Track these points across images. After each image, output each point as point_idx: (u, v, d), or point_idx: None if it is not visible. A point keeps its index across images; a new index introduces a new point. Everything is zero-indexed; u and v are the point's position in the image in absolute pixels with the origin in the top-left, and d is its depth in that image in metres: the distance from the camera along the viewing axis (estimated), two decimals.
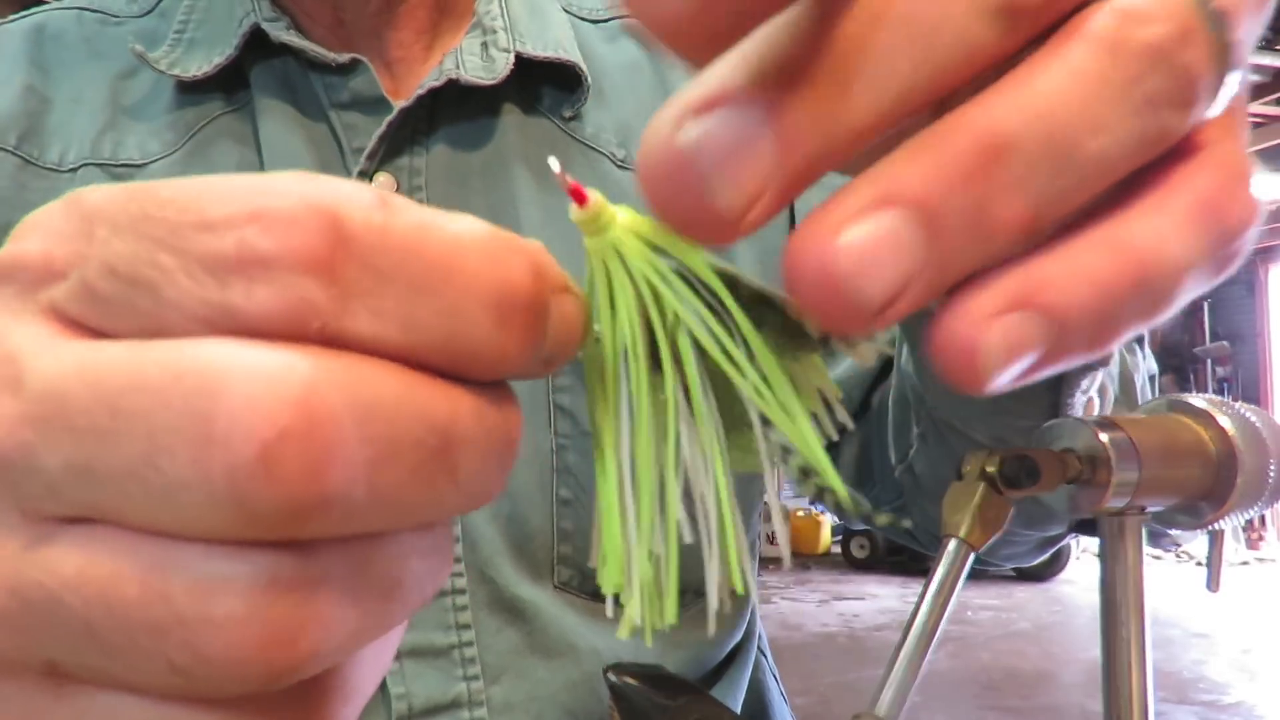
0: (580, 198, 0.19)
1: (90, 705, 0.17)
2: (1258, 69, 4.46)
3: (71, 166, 0.53)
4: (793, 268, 0.15)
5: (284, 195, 0.15)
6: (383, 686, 0.52)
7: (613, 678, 0.31)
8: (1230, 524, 0.31)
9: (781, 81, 0.15)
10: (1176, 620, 4.97)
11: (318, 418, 0.15)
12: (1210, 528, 0.32)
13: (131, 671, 0.16)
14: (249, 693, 0.16)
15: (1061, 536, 0.54)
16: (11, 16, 0.58)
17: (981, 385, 0.16)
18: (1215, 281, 0.18)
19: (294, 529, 0.15)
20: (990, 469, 0.32)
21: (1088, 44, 0.16)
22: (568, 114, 0.57)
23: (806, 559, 7.39)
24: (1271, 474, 0.30)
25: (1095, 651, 0.34)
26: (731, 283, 0.19)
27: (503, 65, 0.54)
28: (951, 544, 0.33)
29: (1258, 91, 4.75)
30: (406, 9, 0.55)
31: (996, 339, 0.16)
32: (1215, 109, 0.17)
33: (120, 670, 0.16)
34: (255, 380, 0.14)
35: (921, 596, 0.33)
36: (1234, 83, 0.17)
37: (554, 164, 0.19)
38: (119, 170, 0.53)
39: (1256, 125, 5.54)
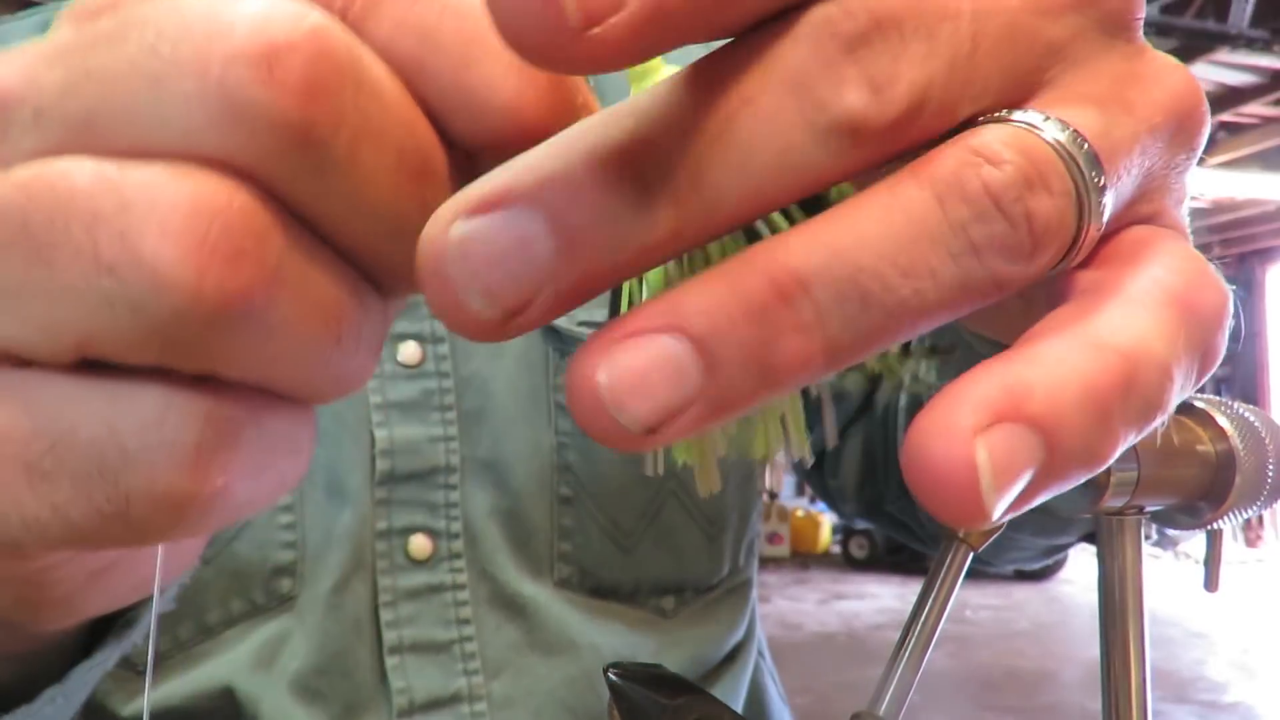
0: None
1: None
2: (1257, 70, 4.46)
3: None
4: (569, 378, 0.15)
5: None
6: (384, 681, 0.52)
7: (612, 676, 0.31)
8: (1229, 524, 0.31)
9: (570, 185, 0.14)
10: (1175, 620, 4.96)
11: (325, 50, 0.15)
12: (1209, 527, 0.32)
13: (49, 300, 0.15)
14: (173, 335, 0.15)
15: (1069, 545, 0.54)
16: (18, 14, 0.59)
17: (976, 515, 0.14)
18: (1199, 383, 0.17)
19: (273, 151, 0.15)
20: None
21: (917, 182, 0.15)
22: None
23: (806, 558, 7.40)
24: (1270, 474, 0.30)
25: (1094, 651, 0.34)
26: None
27: None
28: (951, 544, 0.33)
29: (1258, 91, 4.75)
30: None
31: (993, 453, 0.14)
32: (1080, 252, 0.16)
33: (33, 304, 0.15)
34: (271, 2, 0.15)
35: (921, 596, 0.33)
36: (1106, 217, 0.16)
37: None
38: None
39: (1256, 126, 5.54)
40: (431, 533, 0.54)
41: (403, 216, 0.16)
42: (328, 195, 0.16)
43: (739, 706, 0.63)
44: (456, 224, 0.14)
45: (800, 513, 7.78)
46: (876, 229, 0.15)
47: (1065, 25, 0.16)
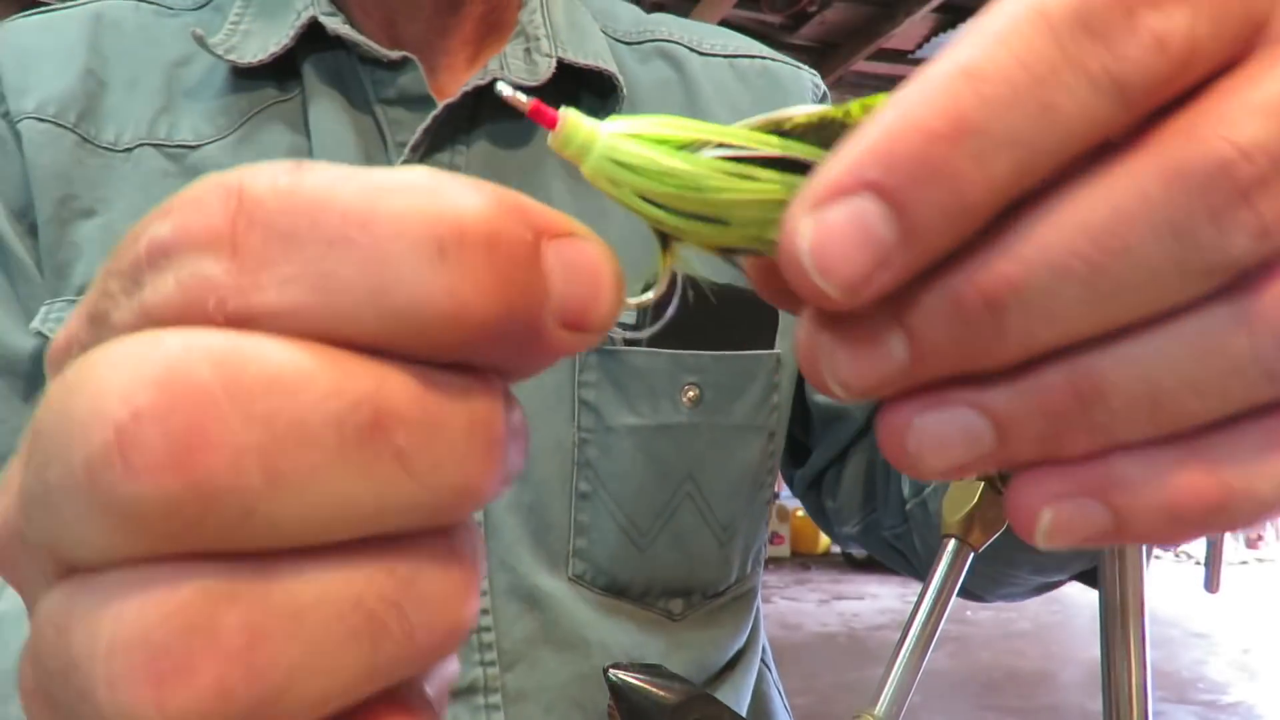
0: (546, 120, 0.17)
1: None
2: None
3: (127, 146, 0.55)
4: (880, 428, 0.17)
5: (195, 186, 0.14)
6: None
7: (613, 676, 0.31)
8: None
9: (904, 159, 0.15)
10: (1176, 620, 4.96)
11: (182, 396, 0.13)
12: None
13: None
14: None
15: (1062, 583, 0.55)
16: (66, 5, 0.61)
17: (1043, 548, 0.18)
18: None
19: (181, 531, 0.13)
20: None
21: (1235, 317, 0.16)
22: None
23: (806, 558, 7.40)
24: None
25: (1095, 651, 0.34)
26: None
27: (545, 69, 0.56)
28: (951, 544, 0.33)
29: None
30: (456, 21, 0.58)
31: (1060, 517, 0.17)
32: None
33: None
34: (117, 364, 0.13)
35: (921, 597, 0.33)
36: None
37: (504, 88, 0.18)
38: (174, 151, 0.56)
39: None
40: None
41: (379, 481, 0.14)
42: (280, 520, 0.14)
43: (742, 712, 0.63)
44: (803, 220, 0.15)
45: (800, 513, 7.77)
46: (1187, 351, 0.16)
47: None
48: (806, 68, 0.69)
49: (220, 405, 0.13)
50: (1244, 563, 6.97)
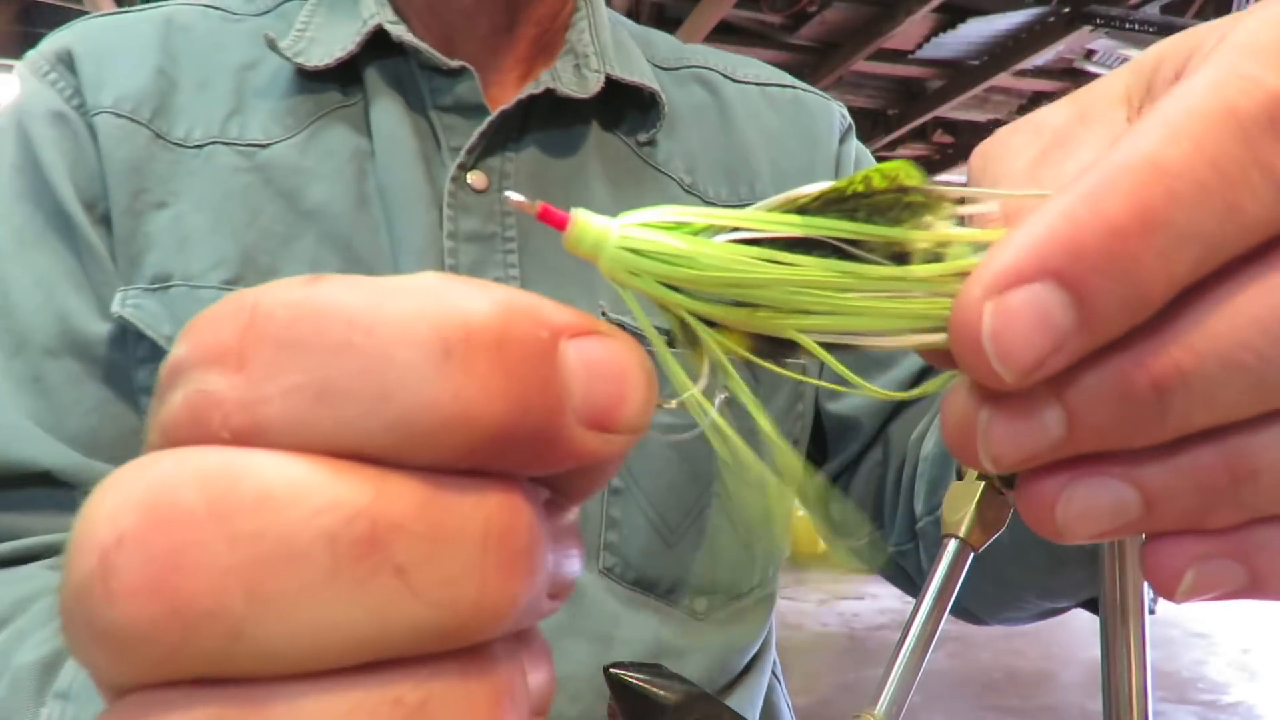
0: (555, 221, 0.16)
1: None
2: None
3: (198, 143, 0.58)
4: (1026, 497, 0.18)
5: (217, 304, 0.14)
6: None
7: (613, 675, 0.31)
8: None
9: (1087, 248, 0.15)
10: (1176, 620, 4.96)
11: (163, 519, 0.13)
12: None
13: None
14: None
15: (1068, 608, 0.56)
16: (140, 7, 0.63)
17: (1178, 602, 0.18)
18: None
19: (167, 657, 0.13)
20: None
21: None
22: (643, 138, 0.63)
23: (806, 558, 7.40)
24: None
25: (1095, 651, 0.34)
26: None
27: (594, 83, 0.59)
28: (951, 544, 0.33)
29: None
30: (510, 40, 0.61)
31: (1199, 577, 0.18)
32: None
33: None
34: (109, 488, 0.13)
35: (921, 596, 0.33)
36: None
37: (513, 195, 0.17)
38: (245, 149, 0.58)
39: None
40: None
41: (378, 599, 0.13)
42: (271, 644, 0.13)
43: (755, 717, 0.64)
44: (987, 306, 0.16)
45: (801, 513, 7.75)
46: None
47: None
48: (835, 100, 0.72)
49: (202, 526, 0.13)
50: None
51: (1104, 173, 0.15)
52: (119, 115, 0.57)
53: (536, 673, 0.17)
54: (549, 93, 0.58)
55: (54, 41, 0.60)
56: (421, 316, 0.14)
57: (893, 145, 4.88)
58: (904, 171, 0.17)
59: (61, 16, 4.06)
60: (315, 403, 0.13)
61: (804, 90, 0.71)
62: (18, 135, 0.57)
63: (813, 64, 4.10)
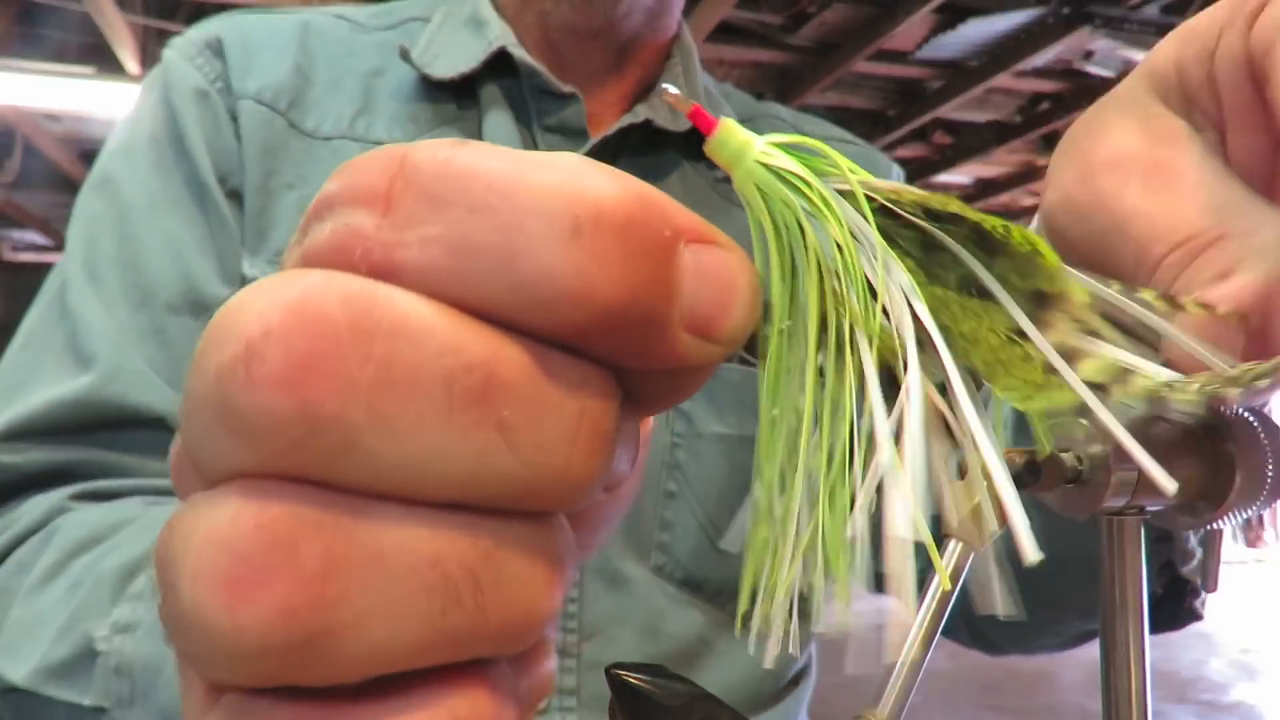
0: (704, 124, 0.17)
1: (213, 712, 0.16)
2: None
3: (327, 136, 0.63)
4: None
5: (370, 152, 0.16)
6: None
7: (614, 675, 0.31)
8: (1228, 524, 0.31)
9: None
10: None
11: (309, 322, 0.14)
12: (1209, 527, 0.32)
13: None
14: (252, 673, 0.14)
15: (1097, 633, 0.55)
16: (280, 10, 0.69)
17: None
18: None
19: (286, 449, 0.14)
20: None
21: None
22: (720, 175, 0.67)
23: None
24: (1270, 473, 0.30)
25: (1094, 651, 0.34)
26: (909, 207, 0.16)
27: (686, 120, 0.64)
28: (951, 544, 0.33)
29: None
30: (617, 77, 0.66)
31: None
32: None
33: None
34: (261, 291, 0.14)
35: (921, 597, 0.33)
36: None
37: (670, 89, 0.18)
38: (369, 145, 0.63)
39: None
40: None
41: (478, 448, 0.14)
42: (374, 461, 0.14)
43: None
44: None
45: None
46: None
47: None
48: (894, 162, 0.78)
49: (342, 338, 0.14)
50: (1243, 562, 6.97)
51: None
52: (260, 103, 0.63)
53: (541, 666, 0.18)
54: (646, 123, 0.63)
55: (204, 30, 0.66)
56: (557, 192, 0.15)
57: (892, 146, 4.88)
58: (1047, 252, 0.17)
59: (61, 16, 4.05)
60: (448, 254, 0.15)
61: (864, 146, 0.76)
62: (160, 108, 0.62)
63: (812, 64, 4.10)
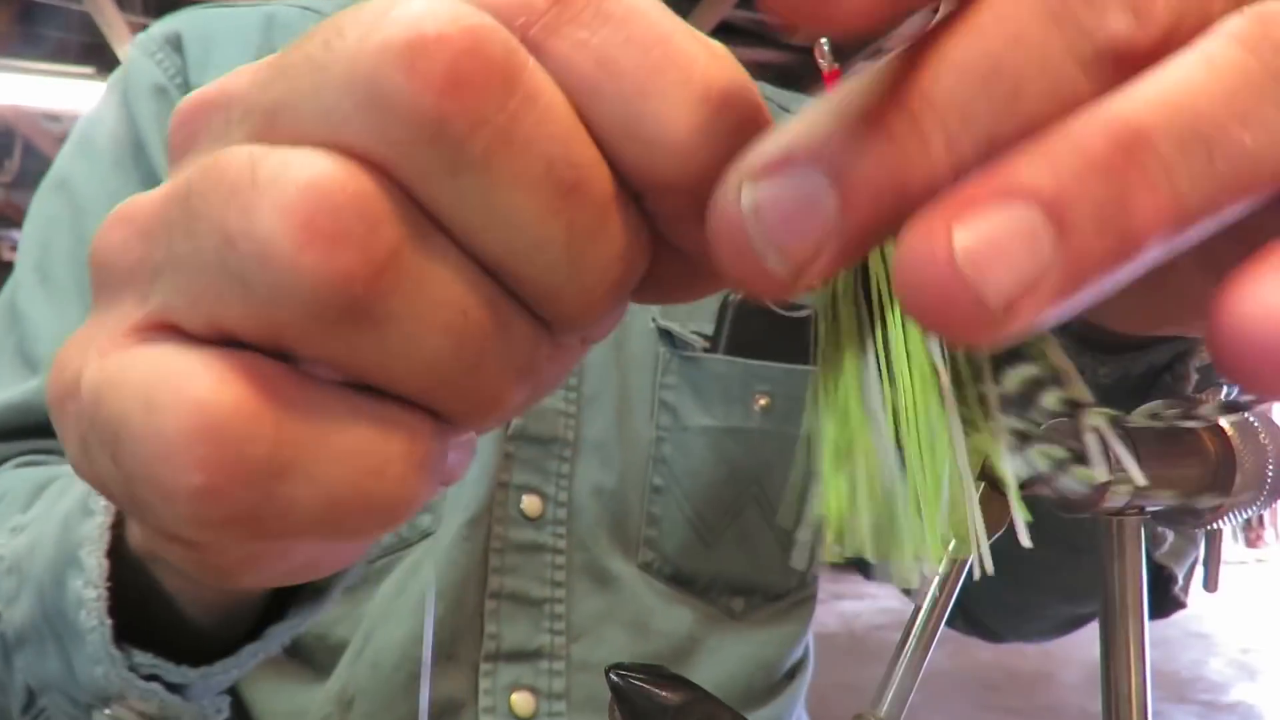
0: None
1: (143, 346, 0.16)
2: None
3: None
4: (903, 266, 0.14)
5: None
6: (480, 624, 0.57)
7: (614, 677, 0.31)
8: (1229, 524, 0.31)
9: (849, 139, 0.14)
10: (1176, 620, 4.96)
11: (474, 49, 0.15)
12: (1209, 527, 0.32)
13: (191, 268, 0.16)
14: (289, 301, 0.15)
15: (1093, 615, 0.55)
16: (242, 3, 0.67)
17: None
18: None
19: (408, 143, 0.15)
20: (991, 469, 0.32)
21: (1225, 39, 0.14)
22: None
23: None
24: (1270, 474, 0.30)
25: (1094, 651, 0.34)
26: None
27: None
28: (952, 545, 0.33)
29: None
30: None
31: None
32: None
33: (180, 271, 0.16)
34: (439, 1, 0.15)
35: (921, 597, 0.33)
36: None
37: (825, 42, 0.19)
38: None
39: None
40: (543, 495, 0.59)
41: (545, 233, 0.16)
42: (462, 197, 0.15)
43: None
44: (745, 189, 0.15)
45: None
46: (1204, 81, 0.14)
47: None
48: None
49: (494, 78, 0.15)
50: (1243, 562, 6.97)
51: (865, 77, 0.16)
52: None
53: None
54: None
55: (165, 25, 0.64)
56: (702, 63, 0.16)
57: None
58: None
59: (61, 16, 4.05)
60: (592, 62, 0.16)
61: None
62: (120, 108, 0.60)
63: (812, 64, 4.09)
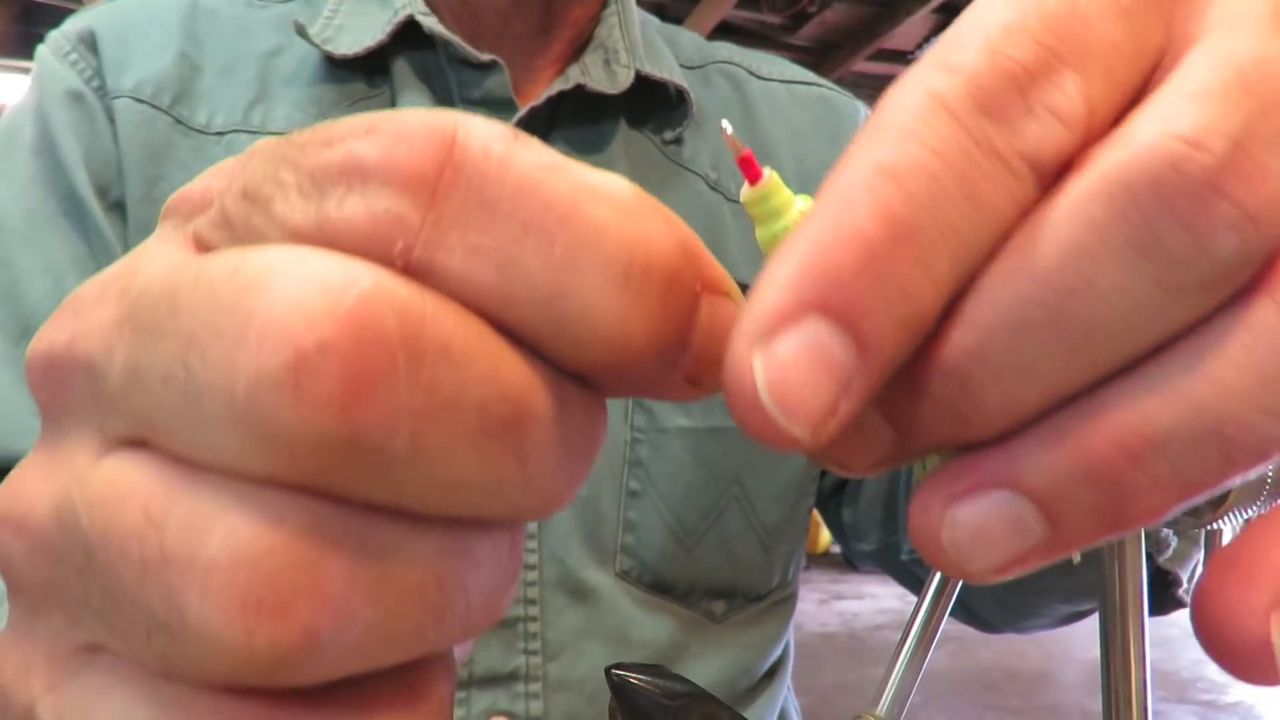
0: (753, 171, 0.17)
1: (92, 679, 0.15)
2: None
3: (219, 130, 0.57)
4: (910, 524, 0.15)
5: (407, 115, 0.14)
6: (451, 650, 0.53)
7: (614, 676, 0.31)
8: (1229, 524, 0.31)
9: (852, 277, 0.14)
10: (1176, 620, 4.96)
11: (366, 339, 0.13)
12: (1208, 527, 0.32)
13: (118, 629, 0.14)
14: (242, 682, 0.14)
15: (1090, 611, 0.55)
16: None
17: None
18: None
19: (319, 470, 0.13)
20: None
21: (1269, 300, 0.14)
22: (669, 136, 0.62)
23: (806, 558, 7.41)
24: (1270, 474, 0.30)
25: (1094, 651, 0.34)
26: None
27: (624, 79, 0.58)
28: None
29: None
30: (545, 41, 0.60)
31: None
32: None
33: (110, 627, 0.14)
34: (308, 282, 0.13)
35: (921, 596, 0.33)
36: None
37: (727, 126, 0.18)
38: (266, 137, 0.56)
39: None
40: None
41: (496, 474, 0.14)
42: (400, 486, 0.14)
43: None
44: (756, 359, 0.14)
45: None
46: (1236, 370, 0.14)
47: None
48: (860, 100, 0.71)
49: (397, 360, 0.13)
50: None
51: (839, 190, 0.14)
52: (139, 100, 0.56)
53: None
54: (579, 88, 0.57)
55: (77, 21, 0.59)
56: (614, 233, 0.14)
57: None
58: None
59: (61, 17, 4.05)
60: (494, 271, 0.14)
61: (829, 89, 0.70)
62: (36, 117, 0.56)
63: (812, 64, 4.10)
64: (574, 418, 0.15)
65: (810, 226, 0.14)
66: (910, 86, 0.15)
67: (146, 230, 0.53)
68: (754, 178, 0.17)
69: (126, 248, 0.55)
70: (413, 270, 0.14)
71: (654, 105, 0.61)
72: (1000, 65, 0.14)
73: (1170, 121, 0.13)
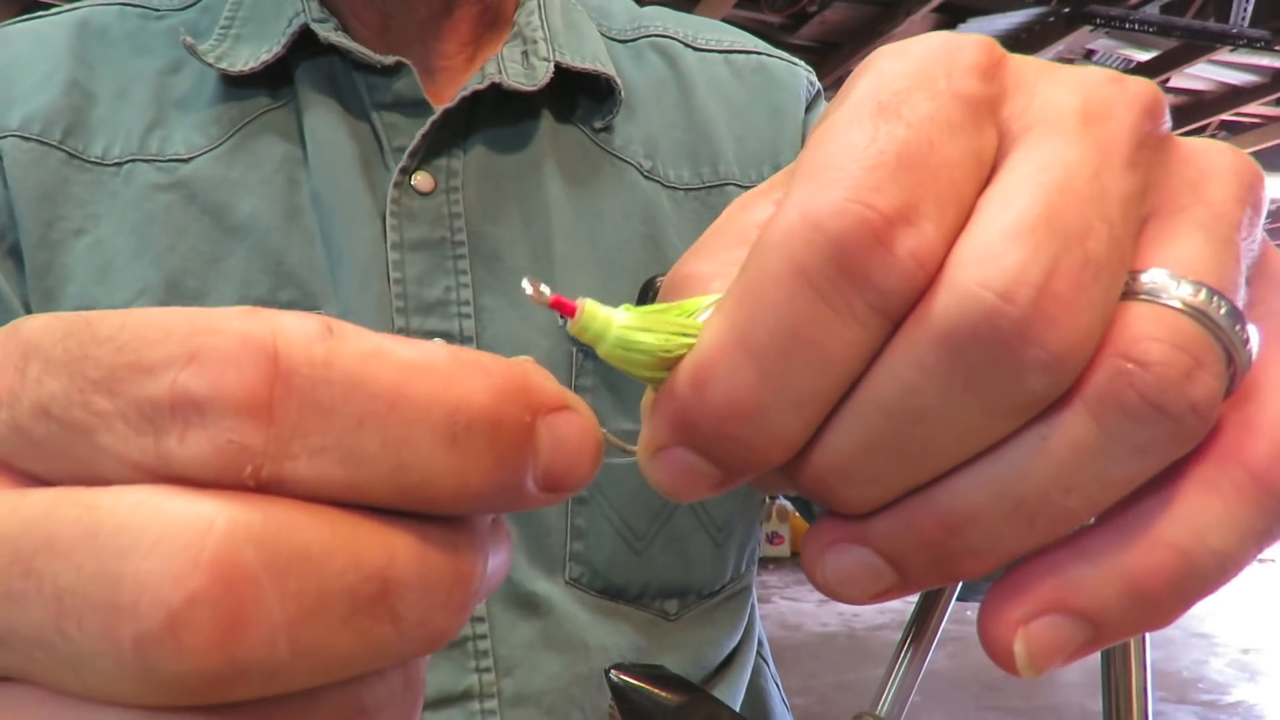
0: (566, 309, 0.18)
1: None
2: (1258, 70, 4.46)
3: (116, 160, 0.54)
4: (801, 556, 0.20)
5: (222, 333, 0.14)
6: None
7: (614, 677, 0.31)
8: None
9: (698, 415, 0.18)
10: (1176, 620, 4.95)
11: (231, 580, 0.13)
12: None
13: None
14: None
15: None
16: (54, 10, 0.58)
17: (1030, 675, 0.18)
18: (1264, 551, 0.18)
19: (209, 696, 0.14)
20: None
21: (1073, 409, 0.16)
22: (599, 125, 0.59)
23: None
24: None
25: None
26: None
27: (543, 73, 0.56)
28: None
29: (1258, 91, 4.75)
30: (452, 22, 0.57)
31: (1031, 642, 0.18)
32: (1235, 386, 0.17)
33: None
34: (167, 539, 0.13)
35: (922, 597, 0.33)
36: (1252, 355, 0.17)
37: (527, 285, 0.18)
38: (166, 165, 0.54)
39: (1257, 126, 5.54)
40: None
41: (374, 648, 0.15)
42: (289, 681, 0.14)
43: (737, 709, 0.64)
44: (651, 462, 0.19)
45: (798, 512, 7.75)
46: (1039, 461, 0.17)
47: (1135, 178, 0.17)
48: (802, 64, 0.68)
49: (262, 587, 0.14)
50: None
51: (702, 361, 0.17)
52: (27, 138, 0.53)
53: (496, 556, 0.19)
54: (494, 86, 0.55)
55: None
56: (436, 401, 0.15)
57: None
58: None
59: None
60: (339, 465, 0.15)
61: (769, 55, 0.67)
62: None
63: (813, 64, 4.08)
64: (443, 560, 0.16)
65: (683, 386, 0.18)
66: (776, 252, 0.16)
67: (45, 276, 0.52)
68: (571, 312, 0.18)
69: (24, 296, 0.52)
70: (266, 485, 0.14)
71: (580, 94, 0.59)
72: (864, 218, 0.16)
73: (986, 268, 0.16)
